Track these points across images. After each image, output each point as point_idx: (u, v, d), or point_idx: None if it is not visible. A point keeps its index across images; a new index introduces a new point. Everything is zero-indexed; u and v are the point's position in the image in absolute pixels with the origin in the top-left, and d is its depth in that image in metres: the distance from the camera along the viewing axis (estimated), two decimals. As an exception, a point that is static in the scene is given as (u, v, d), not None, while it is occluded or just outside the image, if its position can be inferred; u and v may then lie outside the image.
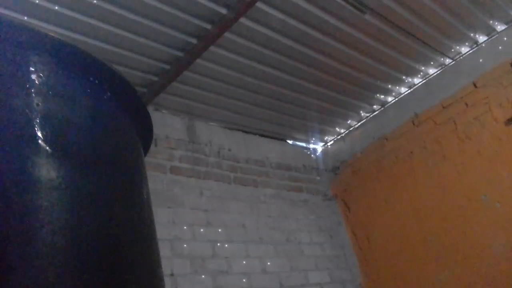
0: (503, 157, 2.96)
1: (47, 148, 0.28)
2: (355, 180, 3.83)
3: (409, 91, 3.62)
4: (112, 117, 0.35)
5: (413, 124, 3.51)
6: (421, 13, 2.80)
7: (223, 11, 2.37)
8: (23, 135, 0.28)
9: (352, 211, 3.82)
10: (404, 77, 3.48)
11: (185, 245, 2.60)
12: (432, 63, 3.39)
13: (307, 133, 3.98)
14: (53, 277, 0.26)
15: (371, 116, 3.86)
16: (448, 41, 3.16)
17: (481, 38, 3.23)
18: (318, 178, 4.04)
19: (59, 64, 0.31)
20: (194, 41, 2.53)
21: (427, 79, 3.51)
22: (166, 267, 2.36)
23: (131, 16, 2.28)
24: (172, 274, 2.42)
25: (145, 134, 0.41)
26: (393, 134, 3.64)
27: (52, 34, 0.31)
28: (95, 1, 2.14)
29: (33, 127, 0.28)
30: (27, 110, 0.28)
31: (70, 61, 0.32)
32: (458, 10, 2.87)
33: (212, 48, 2.58)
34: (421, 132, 3.44)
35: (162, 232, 2.47)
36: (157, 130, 2.71)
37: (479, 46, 3.25)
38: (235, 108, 3.30)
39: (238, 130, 3.59)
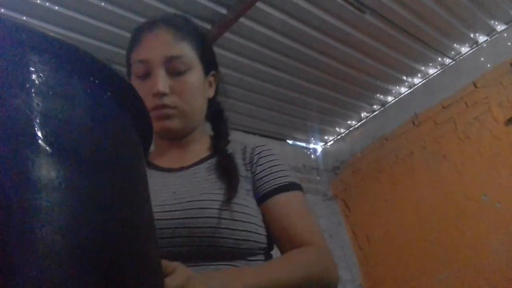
0: (503, 157, 2.95)
1: (47, 148, 0.28)
2: (355, 180, 3.83)
3: (409, 91, 3.61)
4: (112, 117, 0.35)
5: (413, 124, 3.51)
6: (421, 13, 2.80)
7: (223, 11, 2.37)
8: (23, 135, 0.28)
9: (352, 211, 3.82)
10: (404, 77, 3.48)
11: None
12: (432, 63, 3.39)
13: (307, 133, 3.98)
14: (53, 277, 0.26)
15: (371, 116, 3.86)
16: (448, 41, 3.16)
17: (481, 38, 3.23)
18: (318, 178, 4.04)
19: (59, 64, 0.31)
20: (194, 41, 2.53)
21: (427, 79, 3.51)
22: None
23: (131, 16, 2.27)
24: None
25: (145, 134, 0.41)
26: (393, 134, 3.63)
27: (52, 34, 0.31)
28: (95, 1, 2.14)
29: (33, 127, 0.28)
30: (27, 110, 0.28)
31: (70, 61, 0.32)
32: (458, 10, 2.87)
33: (212, 48, 2.58)
34: (421, 132, 3.44)
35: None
36: (157, 130, 2.69)
37: (479, 46, 3.25)
38: (235, 108, 3.30)
39: (238, 130, 3.58)
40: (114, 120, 0.36)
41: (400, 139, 3.58)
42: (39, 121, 0.29)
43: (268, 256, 0.87)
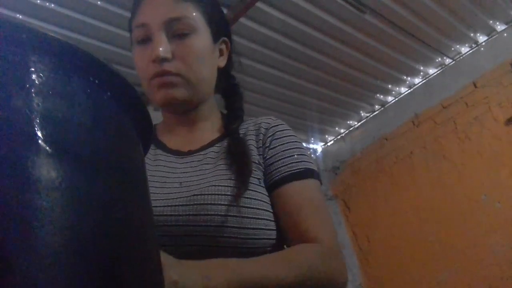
0: (503, 157, 2.96)
1: (47, 148, 0.28)
2: (355, 180, 3.83)
3: (409, 91, 3.62)
4: (112, 117, 0.35)
5: (413, 124, 3.51)
6: (421, 13, 2.80)
7: (223, 11, 2.37)
8: (23, 135, 0.28)
9: (352, 211, 3.82)
10: (404, 77, 3.48)
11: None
12: (432, 63, 3.39)
13: (307, 133, 3.98)
14: (53, 277, 0.26)
15: (371, 116, 3.86)
16: (448, 41, 3.16)
17: (481, 38, 3.23)
18: (318, 178, 4.03)
19: (59, 64, 0.31)
20: (194, 41, 2.53)
21: (427, 79, 3.51)
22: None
23: (131, 16, 2.27)
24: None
25: (145, 134, 0.41)
26: (393, 134, 3.63)
27: (52, 34, 0.31)
28: (95, 1, 2.14)
29: (33, 127, 0.28)
30: (27, 110, 0.28)
31: (70, 61, 0.32)
32: (458, 10, 2.87)
33: (212, 48, 2.58)
34: (421, 132, 3.44)
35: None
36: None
37: (479, 46, 3.25)
38: (235, 108, 3.30)
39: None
40: (114, 120, 0.36)
41: (400, 139, 3.58)
42: (39, 121, 0.29)
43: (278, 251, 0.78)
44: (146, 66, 0.80)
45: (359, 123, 3.94)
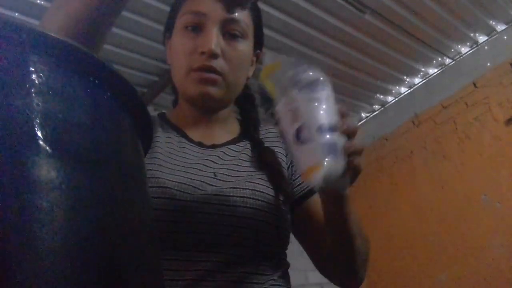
0: (503, 157, 2.95)
1: (47, 148, 0.28)
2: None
3: (409, 91, 3.61)
4: (112, 117, 0.35)
5: (413, 124, 3.51)
6: (421, 13, 2.79)
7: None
8: (23, 135, 0.28)
9: (352, 211, 3.81)
10: (404, 77, 3.48)
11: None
12: (432, 63, 3.39)
13: (307, 133, 3.97)
14: (53, 277, 0.26)
15: (371, 116, 3.86)
16: (448, 41, 3.16)
17: (481, 38, 3.23)
18: (318, 178, 4.03)
19: (59, 64, 0.31)
20: (194, 41, 2.52)
21: (427, 79, 3.51)
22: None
23: (131, 16, 2.27)
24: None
25: (145, 134, 0.41)
26: (393, 134, 3.63)
27: (52, 34, 0.31)
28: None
29: (33, 127, 0.28)
30: (27, 110, 0.28)
31: (70, 61, 0.32)
32: (458, 10, 2.87)
33: (212, 48, 2.57)
34: (421, 132, 3.44)
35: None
36: (157, 130, 2.69)
37: (479, 46, 3.25)
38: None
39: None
40: (114, 120, 0.37)
41: (400, 139, 3.57)
42: (39, 121, 0.29)
43: None
44: (189, 55, 0.79)
45: (359, 123, 3.93)
